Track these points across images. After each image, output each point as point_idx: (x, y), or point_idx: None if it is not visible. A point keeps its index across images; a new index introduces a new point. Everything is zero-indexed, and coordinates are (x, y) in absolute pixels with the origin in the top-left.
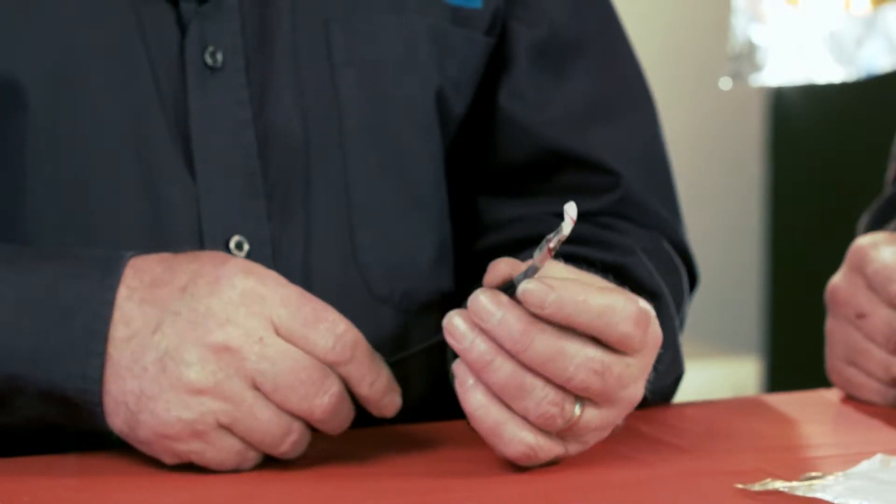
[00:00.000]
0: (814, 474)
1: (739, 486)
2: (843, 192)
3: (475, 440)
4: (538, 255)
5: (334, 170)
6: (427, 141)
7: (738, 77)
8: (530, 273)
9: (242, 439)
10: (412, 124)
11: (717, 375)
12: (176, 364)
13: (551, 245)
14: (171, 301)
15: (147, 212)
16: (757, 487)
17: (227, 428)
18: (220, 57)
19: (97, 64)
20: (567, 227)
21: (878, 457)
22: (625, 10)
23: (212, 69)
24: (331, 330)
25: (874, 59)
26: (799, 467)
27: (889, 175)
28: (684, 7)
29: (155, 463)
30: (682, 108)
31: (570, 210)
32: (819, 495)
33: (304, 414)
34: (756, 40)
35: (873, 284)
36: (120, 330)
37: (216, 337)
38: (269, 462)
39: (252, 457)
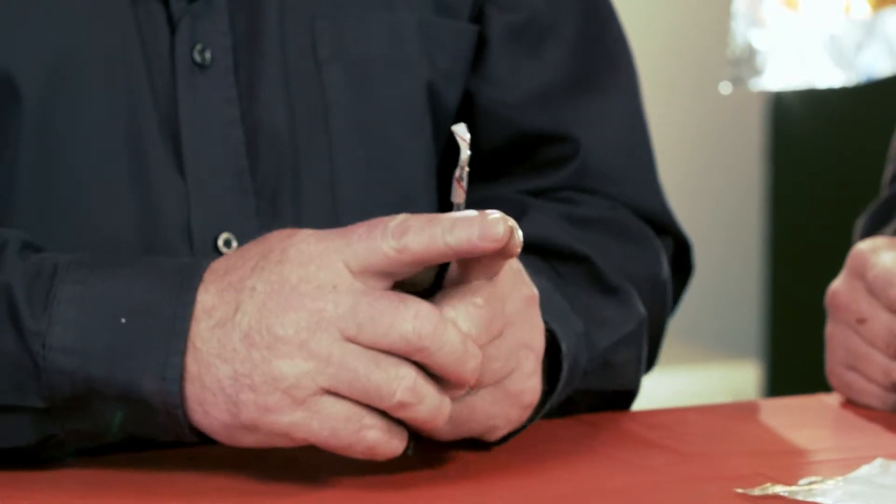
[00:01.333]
0: (814, 479)
1: (739, 490)
2: (843, 197)
3: (472, 442)
4: (453, 191)
5: (322, 167)
6: (417, 138)
7: (737, 81)
8: (455, 211)
9: (348, 398)
10: (401, 121)
11: (717, 379)
12: (262, 336)
13: (456, 175)
14: (246, 280)
15: (138, 209)
16: (757, 492)
17: (329, 392)
18: (208, 55)
19: (94, 62)
20: (464, 150)
21: (878, 461)
22: (625, 13)
23: (201, 67)
24: (386, 227)
25: (874, 64)
26: (799, 472)
27: (886, 177)
28: (684, 11)
29: (155, 473)
30: (682, 113)
31: (460, 131)
32: (819, 500)
33: (400, 348)
34: (756, 45)
35: (874, 289)
36: (203, 321)
37: (293, 299)
38: (270, 471)
39: (369, 423)
